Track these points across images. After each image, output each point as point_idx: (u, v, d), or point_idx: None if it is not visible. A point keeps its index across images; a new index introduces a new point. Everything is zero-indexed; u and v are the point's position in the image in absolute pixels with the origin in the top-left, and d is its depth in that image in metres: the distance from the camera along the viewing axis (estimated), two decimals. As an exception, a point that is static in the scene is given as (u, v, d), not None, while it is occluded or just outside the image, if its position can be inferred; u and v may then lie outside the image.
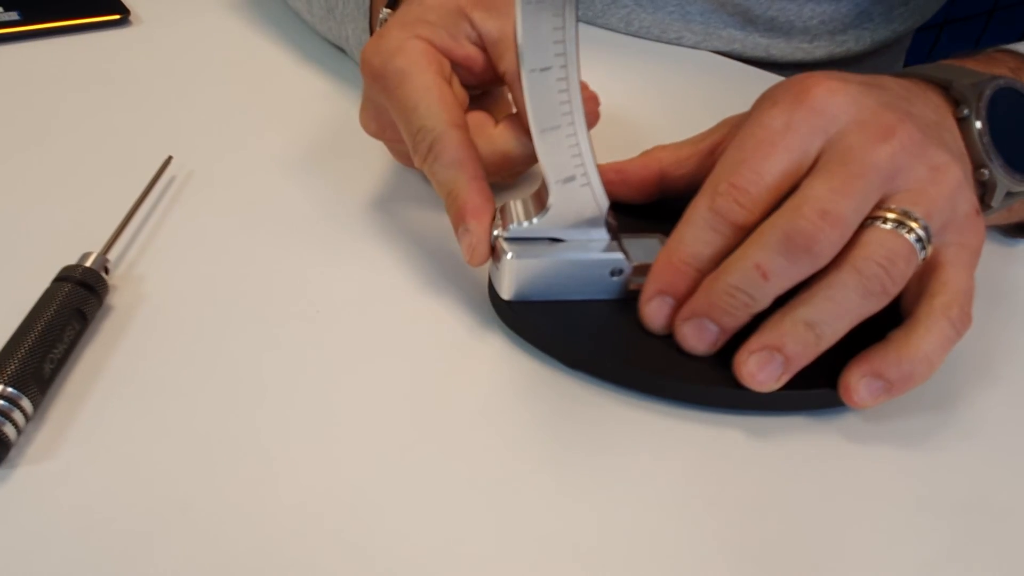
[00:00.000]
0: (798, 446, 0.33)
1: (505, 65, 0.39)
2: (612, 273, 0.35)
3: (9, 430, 0.29)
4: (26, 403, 0.30)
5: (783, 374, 0.32)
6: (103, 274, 0.35)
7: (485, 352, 0.35)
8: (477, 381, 0.34)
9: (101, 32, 0.54)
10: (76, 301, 0.33)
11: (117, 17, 0.55)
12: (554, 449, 0.32)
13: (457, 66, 0.39)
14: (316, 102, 0.49)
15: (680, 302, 0.34)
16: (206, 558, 0.28)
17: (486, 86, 0.42)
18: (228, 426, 0.32)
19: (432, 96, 0.36)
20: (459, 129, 0.36)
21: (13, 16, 0.53)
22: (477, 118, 0.39)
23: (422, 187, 0.43)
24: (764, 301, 0.32)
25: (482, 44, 0.40)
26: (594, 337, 0.34)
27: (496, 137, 0.39)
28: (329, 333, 0.36)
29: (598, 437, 0.33)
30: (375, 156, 0.45)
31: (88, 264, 0.35)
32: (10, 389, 0.30)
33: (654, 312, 0.34)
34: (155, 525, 0.29)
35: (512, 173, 0.41)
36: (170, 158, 0.42)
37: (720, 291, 0.32)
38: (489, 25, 0.39)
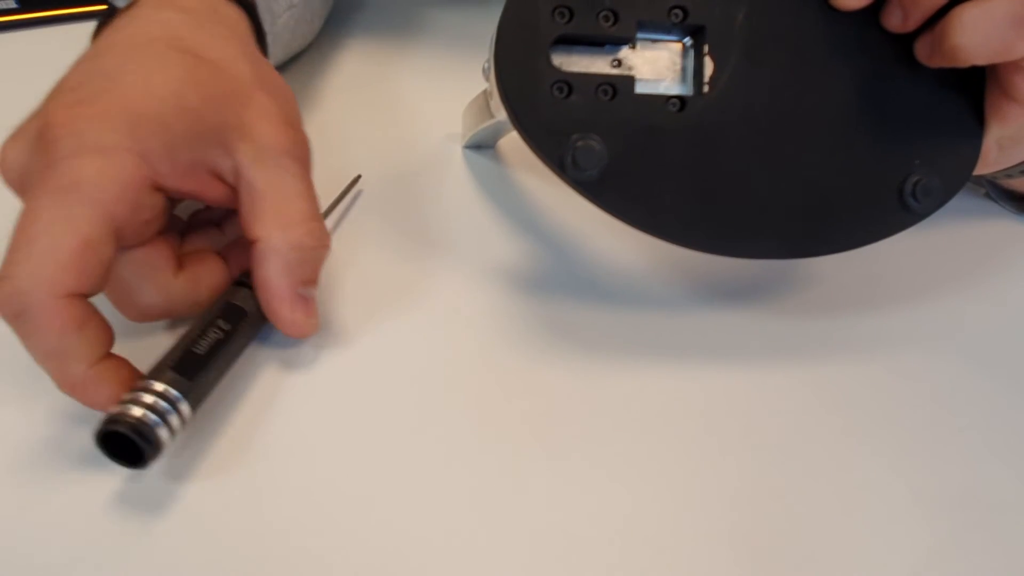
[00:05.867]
0: (794, 441, 0.32)
1: (258, 232, 0.31)
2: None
3: (163, 433, 0.29)
4: (185, 407, 0.29)
5: None
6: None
7: (484, 345, 0.35)
8: (477, 375, 0.33)
9: (102, 22, 0.51)
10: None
11: (118, 7, 0.52)
12: (553, 440, 0.31)
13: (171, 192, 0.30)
14: (320, 95, 0.48)
15: None
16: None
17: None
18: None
19: (51, 244, 0.27)
20: (63, 301, 0.27)
21: (11, 4, 0.50)
22: (152, 257, 0.31)
23: (423, 180, 0.42)
24: None
25: (232, 183, 0.31)
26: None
27: (170, 288, 0.31)
28: (327, 322, 0.35)
29: (598, 430, 0.32)
30: (377, 148, 0.44)
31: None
32: (172, 391, 0.29)
33: None
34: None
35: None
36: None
37: None
38: (254, 172, 0.31)
